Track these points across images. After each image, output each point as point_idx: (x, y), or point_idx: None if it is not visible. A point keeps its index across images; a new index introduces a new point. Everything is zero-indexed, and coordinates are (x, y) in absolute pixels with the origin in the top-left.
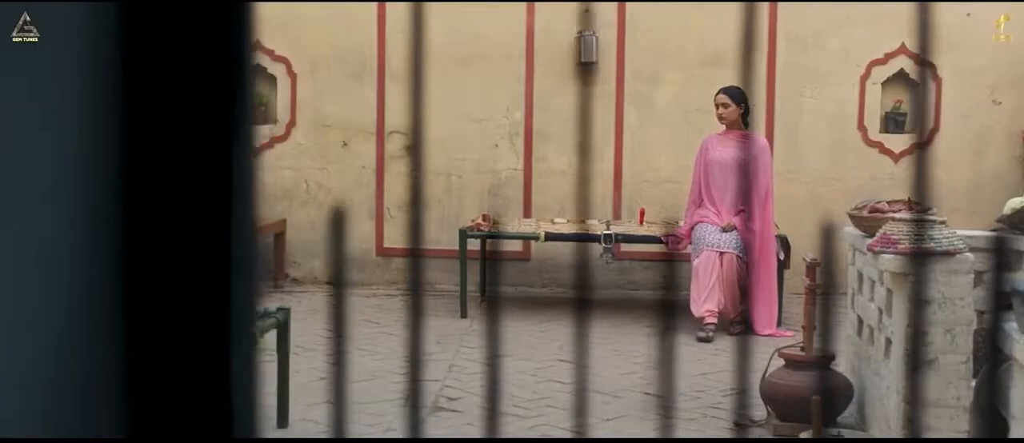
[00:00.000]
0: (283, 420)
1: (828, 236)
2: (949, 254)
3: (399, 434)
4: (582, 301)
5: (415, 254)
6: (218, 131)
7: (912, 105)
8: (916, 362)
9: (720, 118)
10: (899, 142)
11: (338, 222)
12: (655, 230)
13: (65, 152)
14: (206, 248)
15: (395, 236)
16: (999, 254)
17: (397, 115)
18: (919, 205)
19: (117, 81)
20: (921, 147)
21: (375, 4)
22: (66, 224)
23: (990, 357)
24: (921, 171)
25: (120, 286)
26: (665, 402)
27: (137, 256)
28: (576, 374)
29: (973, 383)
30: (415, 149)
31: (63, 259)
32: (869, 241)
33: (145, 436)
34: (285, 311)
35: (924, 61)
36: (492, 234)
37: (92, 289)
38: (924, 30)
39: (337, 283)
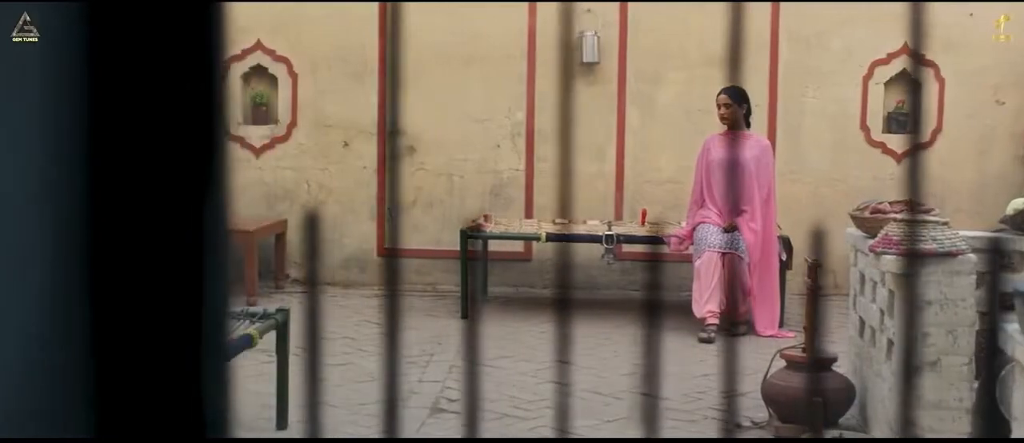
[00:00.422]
0: (282, 421)
1: (819, 240)
2: (951, 255)
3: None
4: (565, 302)
5: (392, 254)
6: (188, 131)
7: (910, 105)
8: (909, 362)
9: (722, 118)
10: (902, 142)
11: (312, 226)
12: (649, 232)
13: (30, 151)
14: (177, 248)
15: (397, 236)
16: (995, 255)
17: (399, 115)
18: (916, 205)
19: (83, 79)
20: (916, 150)
21: (376, 4)
22: (33, 224)
23: (988, 358)
24: (915, 171)
25: (88, 286)
26: (651, 403)
27: (105, 256)
28: (559, 376)
29: (975, 385)
30: (391, 152)
31: (29, 259)
32: (871, 242)
33: (113, 437)
34: (285, 312)
35: (918, 55)
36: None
37: (60, 289)
38: (918, 29)
39: (312, 286)
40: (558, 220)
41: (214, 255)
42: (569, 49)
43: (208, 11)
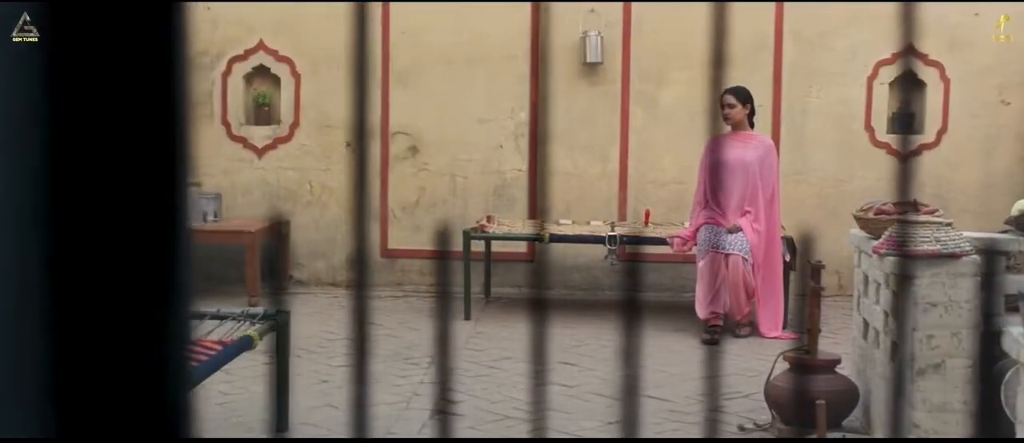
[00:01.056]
0: (282, 423)
1: (807, 244)
2: (955, 256)
3: (397, 437)
4: (540, 301)
5: (360, 255)
6: (149, 131)
7: (903, 103)
8: (902, 362)
9: (725, 119)
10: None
11: (278, 231)
12: (630, 232)
13: None
14: (137, 246)
15: (400, 237)
16: (991, 257)
17: (401, 116)
18: (907, 205)
19: (43, 79)
20: (907, 150)
21: (379, 4)
22: None
23: (985, 360)
24: (906, 171)
25: (48, 284)
26: (629, 399)
27: (65, 253)
28: (535, 376)
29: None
30: (359, 151)
31: None
32: (874, 243)
33: (75, 437)
34: (285, 314)
35: (909, 53)
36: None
37: (18, 287)
38: (909, 27)
39: (279, 291)
40: (562, 221)
41: (175, 253)
42: (545, 49)
43: (170, 11)
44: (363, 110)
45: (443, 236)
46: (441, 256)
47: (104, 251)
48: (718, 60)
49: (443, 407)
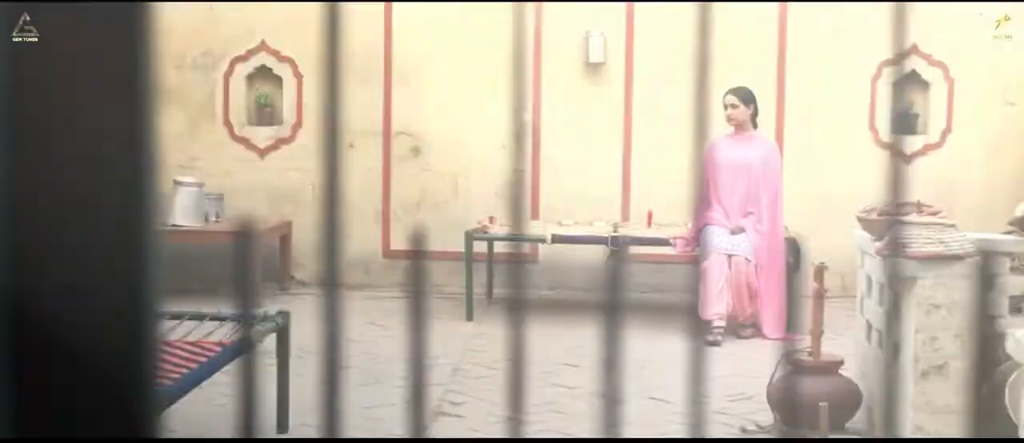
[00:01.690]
0: (282, 425)
1: (798, 247)
2: (958, 258)
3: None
4: (518, 301)
5: (332, 253)
6: (119, 126)
7: (904, 106)
8: (893, 362)
9: (728, 119)
10: (911, 143)
11: (244, 239)
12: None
13: None
14: (104, 246)
15: (402, 238)
16: (987, 258)
17: (404, 116)
18: (902, 206)
19: (8, 77)
20: (898, 150)
21: (382, 5)
22: None
23: (982, 361)
24: (898, 171)
25: (10, 283)
26: (612, 397)
27: (30, 254)
28: (512, 374)
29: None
30: (334, 142)
31: None
32: (877, 244)
33: (38, 436)
34: (285, 315)
35: (907, 53)
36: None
37: None
38: (902, 33)
39: (247, 303)
40: (564, 221)
41: (143, 254)
42: (520, 47)
43: (133, 11)
44: (336, 109)
45: (418, 237)
46: (415, 257)
47: (70, 250)
48: (703, 61)
49: (418, 420)
